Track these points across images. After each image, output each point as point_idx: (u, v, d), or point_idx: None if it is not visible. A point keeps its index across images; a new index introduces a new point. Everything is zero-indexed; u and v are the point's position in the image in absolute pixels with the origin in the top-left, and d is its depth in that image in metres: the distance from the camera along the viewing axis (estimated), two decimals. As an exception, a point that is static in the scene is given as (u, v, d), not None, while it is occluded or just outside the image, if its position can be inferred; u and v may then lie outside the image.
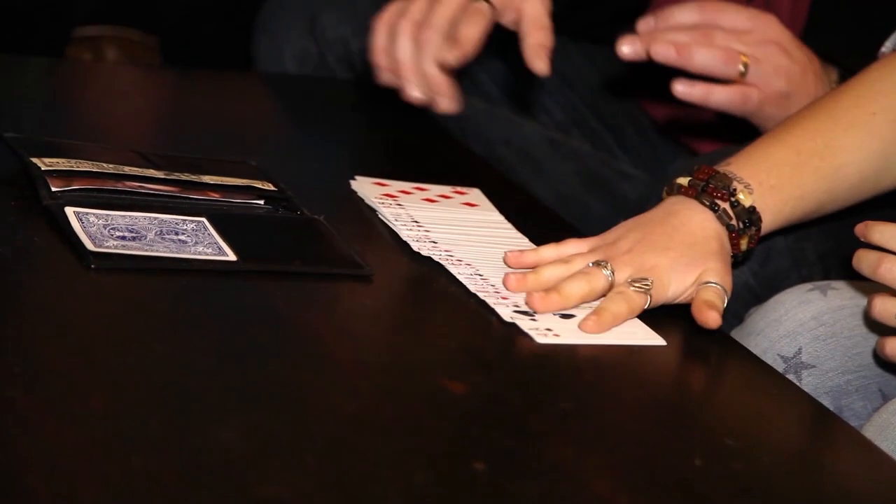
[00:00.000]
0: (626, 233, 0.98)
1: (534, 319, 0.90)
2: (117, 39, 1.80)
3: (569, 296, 0.91)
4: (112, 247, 0.87)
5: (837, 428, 0.88)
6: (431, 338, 0.88)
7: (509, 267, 0.97)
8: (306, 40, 1.45)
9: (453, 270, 0.95)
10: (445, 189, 1.15)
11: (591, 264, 0.94)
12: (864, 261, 0.92)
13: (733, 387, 0.91)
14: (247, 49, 1.53)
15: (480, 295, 0.92)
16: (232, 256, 0.90)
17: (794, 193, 1.01)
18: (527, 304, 0.91)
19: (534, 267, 0.96)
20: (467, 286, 0.93)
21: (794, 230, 1.13)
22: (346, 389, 0.78)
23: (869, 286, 0.95)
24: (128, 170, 0.97)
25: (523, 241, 1.05)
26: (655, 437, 0.81)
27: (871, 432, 0.89)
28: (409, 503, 0.68)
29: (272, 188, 1.01)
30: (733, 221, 0.98)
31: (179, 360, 0.77)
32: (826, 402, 0.96)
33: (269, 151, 1.17)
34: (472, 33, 1.15)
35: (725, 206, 0.98)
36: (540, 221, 1.09)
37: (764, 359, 0.97)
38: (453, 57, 1.15)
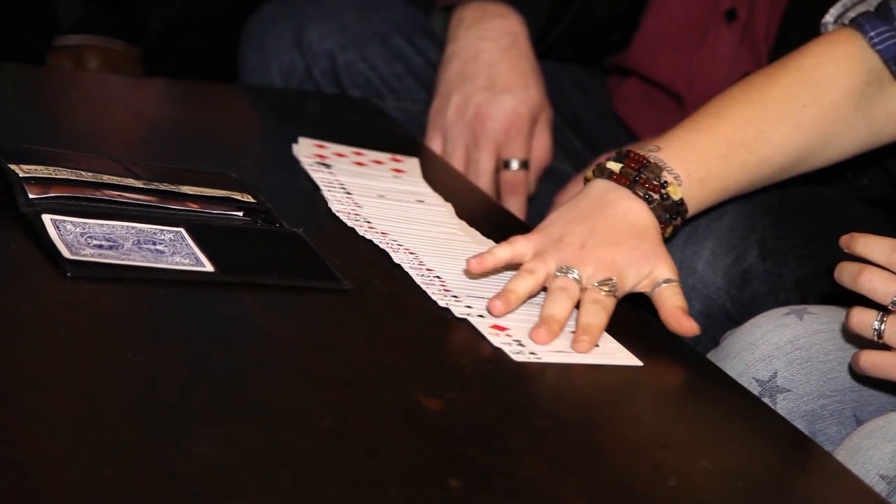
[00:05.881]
0: (568, 226, 0.99)
1: (482, 316, 0.92)
2: (100, 49, 1.79)
3: (561, 319, 0.93)
4: (89, 255, 0.87)
5: (812, 452, 0.88)
6: (408, 353, 0.87)
7: (472, 276, 0.98)
8: (293, 53, 1.45)
9: (396, 257, 0.98)
10: (383, 155, 1.17)
11: (557, 274, 0.95)
12: (845, 271, 0.92)
13: (709, 409, 0.91)
14: (230, 62, 1.52)
15: (427, 290, 0.94)
16: (209, 267, 0.90)
17: (719, 186, 1.04)
18: (532, 338, 0.92)
19: (493, 269, 0.97)
20: (412, 276, 0.95)
21: (772, 256, 1.13)
22: (322, 403, 0.78)
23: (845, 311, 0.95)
24: (106, 178, 0.97)
25: (447, 210, 1.10)
26: (631, 458, 0.81)
27: (842, 455, 0.89)
28: (382, 519, 0.68)
29: (251, 200, 1.01)
30: (663, 213, 1.01)
31: (154, 371, 0.77)
32: (801, 427, 0.96)
33: (250, 164, 1.17)
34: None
35: (657, 197, 1.00)
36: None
37: (739, 382, 0.97)
38: None
